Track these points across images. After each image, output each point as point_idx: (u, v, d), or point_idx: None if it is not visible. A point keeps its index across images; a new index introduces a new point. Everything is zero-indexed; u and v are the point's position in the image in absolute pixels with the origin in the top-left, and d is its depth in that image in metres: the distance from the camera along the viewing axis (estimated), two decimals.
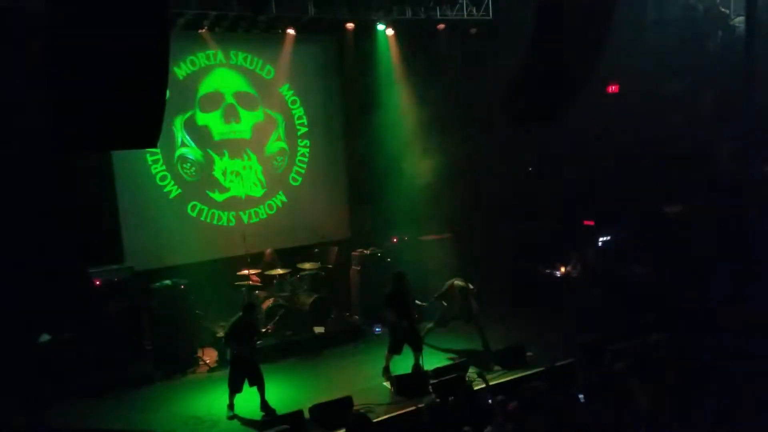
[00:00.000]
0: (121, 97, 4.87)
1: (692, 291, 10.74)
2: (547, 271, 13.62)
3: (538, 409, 6.54)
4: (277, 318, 10.43)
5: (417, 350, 9.32)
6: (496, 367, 9.45)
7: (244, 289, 10.54)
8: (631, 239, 13.01)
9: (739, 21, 11.39)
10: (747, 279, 10.26)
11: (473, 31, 12.64)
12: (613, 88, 13.05)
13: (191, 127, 11.07)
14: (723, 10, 12.67)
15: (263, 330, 9.89)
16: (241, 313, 8.46)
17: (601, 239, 13.76)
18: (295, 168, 12.17)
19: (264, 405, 8.38)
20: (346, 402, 8.09)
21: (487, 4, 12.23)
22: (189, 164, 11.08)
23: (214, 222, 11.35)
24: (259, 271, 10.86)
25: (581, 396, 7.17)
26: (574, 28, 6.68)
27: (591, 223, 13.77)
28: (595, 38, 6.99)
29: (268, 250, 11.16)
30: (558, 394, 7.02)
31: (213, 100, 11.26)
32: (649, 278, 12.29)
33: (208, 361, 10.08)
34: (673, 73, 12.29)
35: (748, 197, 10.56)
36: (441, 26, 12.33)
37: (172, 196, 10.96)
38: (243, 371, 8.34)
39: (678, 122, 11.63)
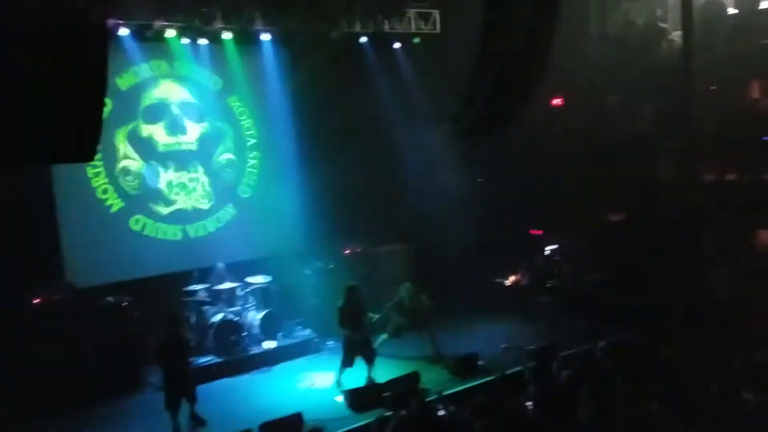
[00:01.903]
0: (56, 109, 4.70)
1: (638, 296, 11.04)
2: (498, 279, 13.81)
3: (488, 417, 6.58)
4: (225, 334, 10.20)
5: (369, 363, 9.27)
6: (449, 377, 9.46)
7: (192, 305, 10.29)
8: (578, 247, 13.32)
9: (677, 35, 11.81)
10: (692, 283, 10.60)
11: (417, 40, 12.75)
12: (557, 101, 13.37)
13: (134, 139, 10.78)
14: (661, 24, 13.15)
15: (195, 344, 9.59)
16: (170, 329, 8.22)
17: (548, 248, 14.04)
18: (245, 180, 11.99)
19: (193, 415, 8.26)
20: (297, 419, 7.96)
21: (435, 19, 12.35)
22: (132, 177, 10.78)
23: (159, 236, 11.05)
24: (206, 286, 10.62)
25: (530, 404, 7.24)
26: (518, 41, 6.78)
27: (539, 232, 14.05)
28: (538, 52, 7.11)
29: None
30: (508, 402, 7.09)
31: (157, 112, 11.01)
32: (596, 285, 12.58)
33: (154, 380, 9.77)
34: (615, 85, 12.67)
35: (690, 204, 10.91)
36: (390, 39, 12.41)
37: (114, 209, 10.63)
38: (177, 388, 8.10)
39: (620, 133, 11.98)
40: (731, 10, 12.22)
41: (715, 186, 10.65)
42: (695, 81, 10.97)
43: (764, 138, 10.54)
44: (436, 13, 12.42)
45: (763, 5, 11.78)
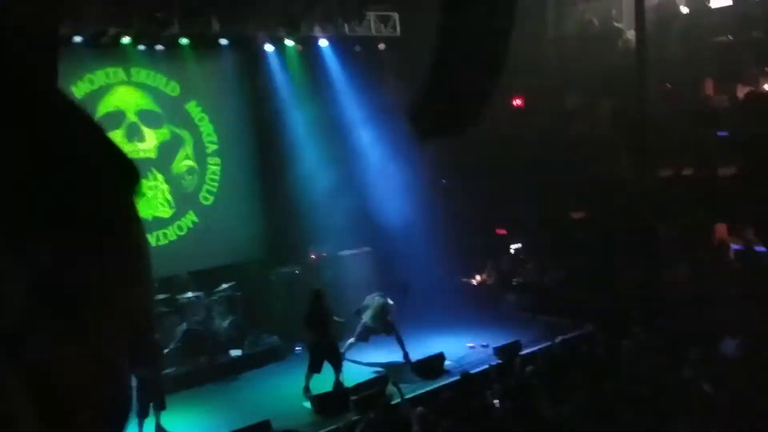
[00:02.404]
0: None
1: (598, 292, 11.23)
2: (464, 279, 13.90)
3: (454, 416, 6.61)
4: (190, 343, 10.06)
5: (337, 367, 9.22)
6: (416, 378, 9.49)
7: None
8: (541, 245, 13.49)
9: (632, 35, 12.05)
10: (649, 278, 10.81)
11: (381, 46, 12.77)
12: (517, 102, 13.53)
13: None
14: (617, 24, 13.42)
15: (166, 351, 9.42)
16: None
17: (513, 246, 14.21)
18: (206, 187, 11.83)
19: (158, 428, 8.14)
20: (265, 426, 7.90)
21: (395, 21, 12.39)
22: None
23: None
24: (169, 296, 10.46)
25: (496, 402, 7.31)
26: (476, 44, 6.83)
27: (504, 231, 14.19)
28: (496, 54, 7.18)
29: None
30: (474, 400, 7.14)
31: (114, 120, 10.79)
32: (559, 282, 12.75)
33: None
34: (573, 85, 12.86)
35: (647, 200, 11.14)
36: (350, 42, 12.42)
37: None
38: (147, 395, 7.99)
39: (580, 132, 12.17)
40: (684, 10, 12.54)
41: (673, 182, 10.87)
42: (650, 79, 11.22)
43: (719, 134, 10.79)
44: (395, 17, 12.45)
45: (713, 4, 12.12)
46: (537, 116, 12.87)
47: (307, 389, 9.19)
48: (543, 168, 12.50)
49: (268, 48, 11.77)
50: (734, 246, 11.64)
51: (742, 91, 11.54)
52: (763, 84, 11.69)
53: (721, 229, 12.04)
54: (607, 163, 11.65)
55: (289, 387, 9.52)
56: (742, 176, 9.94)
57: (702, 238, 11.48)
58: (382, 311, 10.03)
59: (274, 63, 11.93)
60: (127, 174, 0.63)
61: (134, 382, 7.95)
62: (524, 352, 9.86)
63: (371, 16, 12.25)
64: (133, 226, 0.63)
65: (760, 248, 10.88)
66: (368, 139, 12.93)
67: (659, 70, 11.57)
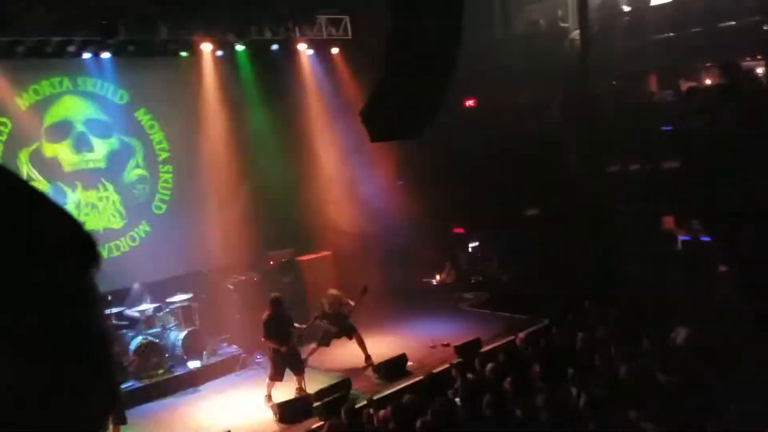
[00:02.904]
0: None
1: (554, 286, 11.45)
2: (424, 279, 14.00)
3: (417, 416, 6.65)
4: (147, 357, 9.86)
5: (298, 374, 9.17)
6: (379, 381, 9.51)
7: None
8: (498, 242, 13.69)
9: (577, 34, 12.32)
10: (602, 271, 11.08)
11: (335, 50, 12.77)
12: (470, 103, 13.69)
13: (38, 159, 10.27)
14: (562, 24, 13.70)
15: (125, 365, 9.22)
16: None
17: (471, 245, 14.37)
18: (158, 196, 11.62)
19: None
20: None
21: (346, 25, 12.40)
22: None
23: None
24: (123, 309, 10.23)
25: (458, 400, 7.37)
26: (425, 46, 6.91)
27: (461, 230, 14.35)
28: (447, 55, 7.27)
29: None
30: (436, 400, 7.18)
31: (61, 130, 10.53)
32: (516, 278, 12.96)
33: None
34: (522, 85, 13.08)
35: (597, 195, 11.40)
36: (301, 45, 12.38)
37: None
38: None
39: (531, 130, 12.38)
40: (626, 8, 12.87)
41: (621, 176, 11.16)
42: (596, 77, 11.50)
43: (663, 128, 11.11)
44: (347, 19, 12.46)
45: (654, 2, 12.48)
46: (489, 116, 13.04)
47: (269, 398, 9.11)
48: (497, 167, 12.67)
49: (218, 53, 11.63)
50: (681, 237, 12.03)
51: (684, 86, 11.92)
52: (705, 78, 12.10)
53: (668, 220, 12.42)
54: (558, 161, 11.88)
55: (251, 396, 9.43)
56: (686, 169, 10.26)
57: (651, 231, 11.82)
58: (342, 313, 10.02)
59: (225, 68, 11.79)
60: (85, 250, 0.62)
61: None
62: (485, 349, 9.99)
63: (322, 19, 12.23)
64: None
65: (706, 238, 11.27)
66: (324, 143, 12.91)
67: (605, 67, 11.86)
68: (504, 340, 10.17)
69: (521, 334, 9.69)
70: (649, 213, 11.44)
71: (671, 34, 11.61)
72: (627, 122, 11.46)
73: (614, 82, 12.77)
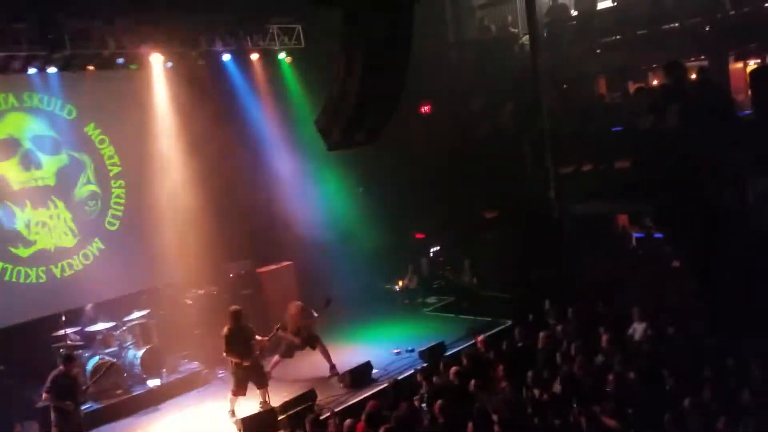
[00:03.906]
0: None
1: (514, 287, 11.60)
2: (387, 286, 14.01)
3: (384, 423, 6.63)
4: (103, 377, 9.57)
5: (262, 387, 9.04)
6: (344, 390, 9.45)
7: (62, 351, 9.57)
8: (458, 246, 13.80)
9: (527, 38, 12.55)
10: (561, 270, 11.25)
11: (288, 59, 12.71)
12: (425, 108, 13.80)
13: None
14: (512, 29, 13.94)
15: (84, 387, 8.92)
16: (61, 366, 7.91)
17: (432, 249, 14.45)
18: (111, 211, 11.32)
19: None
20: None
21: (298, 33, 12.36)
22: None
23: (21, 280, 10.20)
24: (78, 329, 9.94)
25: (424, 405, 7.38)
26: (376, 52, 6.92)
27: (422, 235, 14.41)
28: (397, 61, 7.29)
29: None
30: (401, 406, 7.18)
31: (7, 148, 10.19)
32: (477, 281, 13.08)
33: None
34: (476, 89, 13.26)
35: (552, 196, 11.59)
36: (253, 55, 12.30)
37: None
38: (70, 426, 7.73)
39: (485, 133, 12.54)
40: (573, 12, 13.17)
41: (574, 176, 11.37)
42: (546, 80, 11.72)
43: (614, 129, 11.36)
44: (299, 28, 12.42)
45: (600, 6, 12.80)
46: (444, 121, 13.16)
47: (232, 413, 8.96)
48: (454, 171, 12.79)
49: (168, 64, 11.45)
50: (635, 234, 12.33)
51: (632, 87, 12.24)
52: (652, 79, 12.45)
53: (622, 218, 12.71)
54: (513, 163, 12.04)
55: (214, 413, 9.27)
56: (637, 167, 10.51)
57: (605, 229, 12.08)
58: (304, 324, 9.93)
59: (176, 80, 11.61)
60: None
61: (54, 416, 7.64)
62: (449, 352, 10.03)
63: (274, 28, 12.16)
64: None
65: (658, 234, 11.57)
66: (280, 152, 12.81)
67: (555, 70, 12.10)
68: (468, 343, 10.24)
69: (480, 337, 9.78)
70: (604, 212, 11.70)
71: (618, 36, 11.92)
72: (579, 124, 11.71)
73: (564, 86, 13.04)
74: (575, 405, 6.56)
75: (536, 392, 7.01)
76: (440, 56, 13.66)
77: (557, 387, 7.03)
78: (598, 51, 12.23)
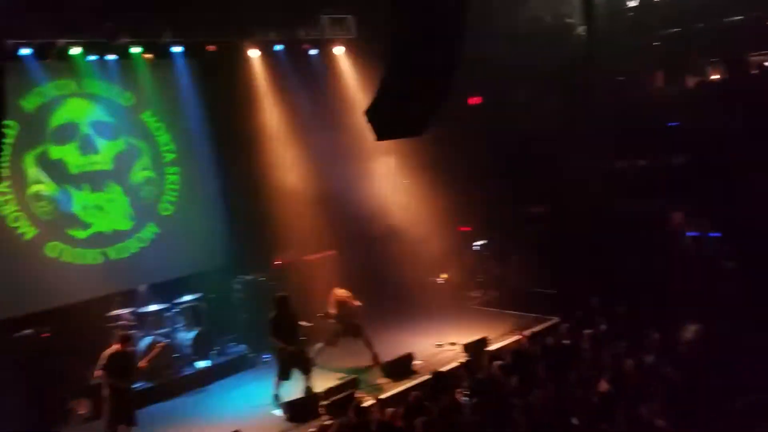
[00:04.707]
0: None
1: (562, 285, 11.41)
2: (430, 278, 13.97)
3: (425, 415, 6.65)
4: (155, 357, 9.87)
5: (306, 373, 9.18)
6: (386, 380, 9.50)
7: (118, 330, 9.90)
8: (504, 241, 13.65)
9: (583, 29, 12.28)
10: (611, 268, 11.02)
11: (340, 49, 12.76)
12: (475, 100, 13.65)
13: (44, 162, 10.30)
14: (568, 20, 13.64)
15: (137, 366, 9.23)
16: (117, 345, 8.09)
17: (477, 243, 14.33)
18: (165, 197, 11.64)
19: None
20: None
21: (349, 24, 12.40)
22: (44, 202, 10.29)
23: (79, 261, 10.59)
24: (132, 309, 10.27)
25: (466, 398, 7.37)
26: (427, 45, 6.88)
27: (467, 228, 14.30)
28: (451, 53, 7.24)
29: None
30: (443, 398, 7.18)
31: (67, 132, 10.56)
32: (523, 276, 12.91)
33: (82, 412, 9.36)
34: (528, 82, 13.03)
35: (604, 192, 11.36)
36: (306, 46, 12.40)
37: (27, 237, 10.13)
38: (122, 403, 7.94)
39: (536, 127, 12.35)
40: (632, 3, 12.81)
41: (628, 172, 11.11)
42: (601, 73, 11.45)
43: (669, 124, 11.06)
44: (350, 18, 12.45)
45: None
46: (494, 114, 13.01)
47: (276, 397, 9.12)
48: (502, 164, 12.65)
49: (225, 55, 11.64)
50: (690, 233, 11.96)
51: (691, 82, 11.86)
52: (711, 74, 12.04)
53: (677, 216, 12.35)
54: (565, 157, 11.82)
55: (259, 395, 9.44)
56: (693, 164, 10.21)
57: (659, 226, 11.75)
58: (348, 312, 10.01)
59: (232, 70, 11.80)
60: None
61: (107, 393, 7.87)
62: (492, 347, 9.97)
63: (325, 19, 12.23)
64: None
65: (714, 234, 11.21)
66: (330, 143, 12.89)
67: (611, 63, 11.81)
68: (511, 339, 10.15)
69: (526, 332, 9.67)
70: (657, 209, 11.39)
71: (677, 29, 11.56)
72: (633, 118, 11.42)
73: (621, 78, 12.72)
74: (623, 405, 6.44)
75: (580, 391, 6.91)
76: (491, 48, 13.47)
77: (603, 386, 6.91)
78: (656, 43, 11.88)
